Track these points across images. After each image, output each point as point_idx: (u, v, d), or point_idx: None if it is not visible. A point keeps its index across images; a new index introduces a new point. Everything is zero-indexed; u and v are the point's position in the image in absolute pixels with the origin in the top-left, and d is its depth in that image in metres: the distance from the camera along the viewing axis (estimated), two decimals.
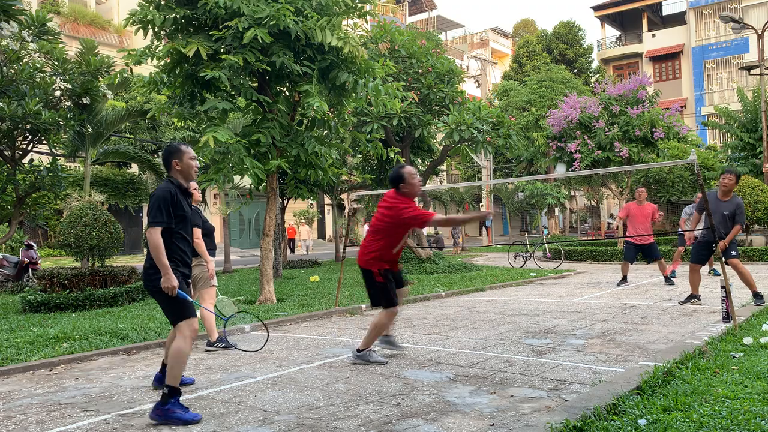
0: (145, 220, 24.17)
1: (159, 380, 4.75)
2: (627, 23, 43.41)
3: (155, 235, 4.06)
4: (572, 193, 37.79)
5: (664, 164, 7.55)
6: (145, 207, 26.66)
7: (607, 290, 10.71)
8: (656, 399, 3.85)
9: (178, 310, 4.19)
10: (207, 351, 6.30)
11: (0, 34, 9.04)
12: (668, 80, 39.57)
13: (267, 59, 8.46)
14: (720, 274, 11.51)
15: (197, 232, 6.05)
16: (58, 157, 11.73)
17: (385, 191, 13.68)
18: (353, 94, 9.60)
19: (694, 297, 8.47)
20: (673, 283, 10.93)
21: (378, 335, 5.57)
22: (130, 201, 22.84)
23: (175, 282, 4.08)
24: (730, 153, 24.49)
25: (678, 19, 41.33)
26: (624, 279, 11.35)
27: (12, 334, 7.07)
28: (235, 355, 6.03)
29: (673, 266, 12.22)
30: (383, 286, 5.51)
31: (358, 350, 5.50)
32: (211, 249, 6.44)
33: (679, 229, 12.05)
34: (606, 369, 4.97)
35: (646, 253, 11.00)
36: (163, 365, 4.65)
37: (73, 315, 8.76)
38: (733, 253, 8.16)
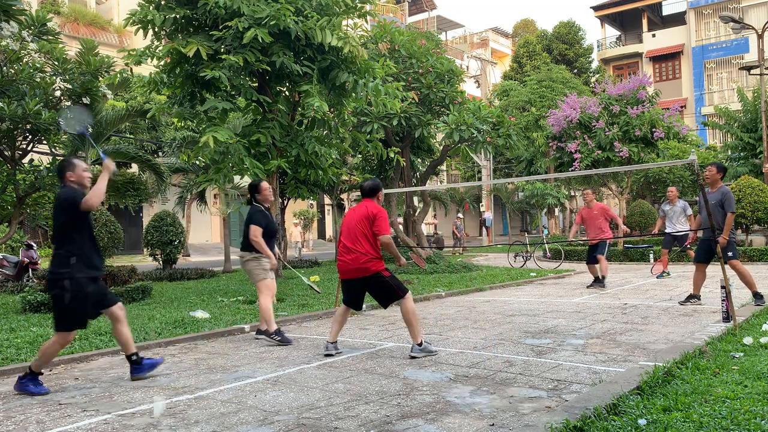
0: (145, 221, 24.18)
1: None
2: (627, 23, 43.41)
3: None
4: (572, 193, 37.78)
5: (664, 164, 7.56)
6: (146, 207, 26.67)
7: (606, 290, 10.70)
8: (656, 399, 3.85)
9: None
10: (256, 339, 6.82)
11: (0, 34, 9.04)
12: (668, 80, 39.57)
13: (267, 59, 8.47)
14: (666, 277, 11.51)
15: (256, 230, 6.54)
16: (58, 157, 11.73)
17: (386, 191, 13.71)
18: (353, 94, 9.61)
19: (694, 297, 8.47)
20: (604, 285, 10.85)
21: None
22: (130, 201, 22.83)
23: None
24: (730, 153, 24.48)
25: (678, 19, 41.33)
26: (596, 279, 11.09)
27: (12, 334, 7.07)
28: (234, 355, 6.04)
29: (662, 266, 12.22)
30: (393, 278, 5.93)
31: (419, 344, 5.71)
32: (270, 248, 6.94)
33: (668, 230, 12.08)
34: (606, 369, 4.97)
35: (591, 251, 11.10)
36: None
37: None
38: (730, 254, 8.15)
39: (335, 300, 9.21)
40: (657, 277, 12.18)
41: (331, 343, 5.92)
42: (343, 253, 5.85)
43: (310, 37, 8.51)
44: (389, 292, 5.82)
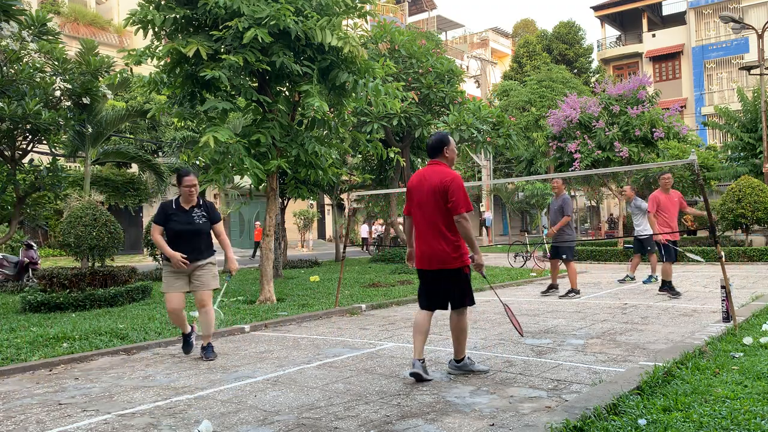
0: (145, 221, 24.15)
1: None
2: (627, 23, 43.40)
3: None
4: (572, 193, 37.77)
5: (664, 164, 7.54)
6: (146, 207, 26.68)
7: (607, 290, 10.70)
8: (656, 399, 3.85)
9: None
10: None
11: (0, 34, 9.04)
12: (668, 80, 39.55)
13: (267, 59, 8.46)
14: (633, 280, 11.73)
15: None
16: (58, 157, 11.74)
17: (384, 191, 13.54)
18: (353, 94, 9.61)
19: (572, 291, 9.68)
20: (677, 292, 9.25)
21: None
22: (130, 201, 22.85)
23: None
24: (730, 153, 24.48)
25: (678, 19, 41.32)
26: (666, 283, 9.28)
27: (12, 334, 7.07)
28: (235, 355, 6.04)
29: (632, 269, 11.78)
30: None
31: (457, 361, 4.96)
32: None
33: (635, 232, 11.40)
34: (606, 369, 4.97)
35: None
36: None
37: (73, 315, 8.76)
38: (564, 256, 9.60)
39: (335, 300, 9.22)
40: (643, 282, 11.34)
41: (419, 360, 4.73)
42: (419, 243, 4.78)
43: (310, 37, 8.51)
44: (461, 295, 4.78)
